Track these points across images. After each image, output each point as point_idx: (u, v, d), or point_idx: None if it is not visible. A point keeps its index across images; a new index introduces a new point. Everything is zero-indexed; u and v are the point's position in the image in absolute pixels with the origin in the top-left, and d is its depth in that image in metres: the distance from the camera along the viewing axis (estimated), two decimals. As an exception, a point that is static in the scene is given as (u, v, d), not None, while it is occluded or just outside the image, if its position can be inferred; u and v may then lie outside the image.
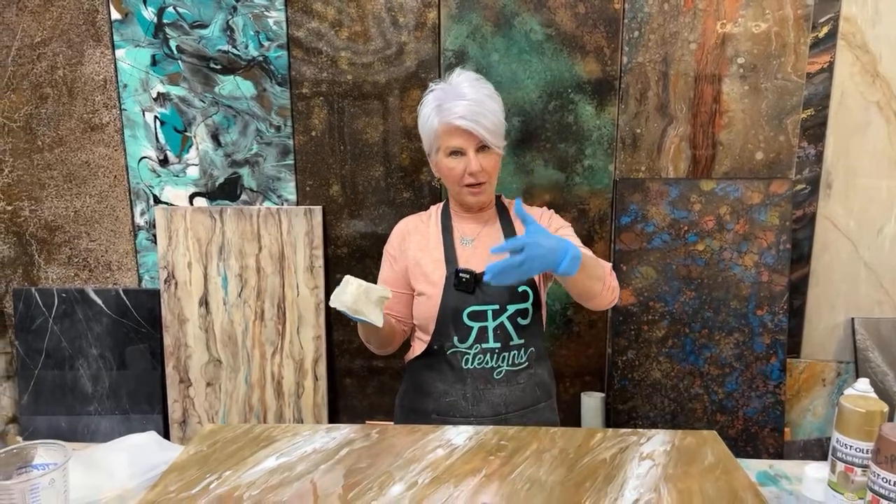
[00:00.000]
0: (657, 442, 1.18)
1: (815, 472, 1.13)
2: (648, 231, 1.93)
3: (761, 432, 1.95)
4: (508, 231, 1.50)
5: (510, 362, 1.44)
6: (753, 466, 1.21)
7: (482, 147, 1.40)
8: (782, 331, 1.92)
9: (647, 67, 1.89)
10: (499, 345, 1.42)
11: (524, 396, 1.45)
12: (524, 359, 1.45)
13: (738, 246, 1.91)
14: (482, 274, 1.40)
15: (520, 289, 1.43)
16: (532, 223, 1.25)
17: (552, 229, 1.48)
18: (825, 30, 1.89)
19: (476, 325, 1.42)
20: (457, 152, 1.41)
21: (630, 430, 1.24)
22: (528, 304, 1.44)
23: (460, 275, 1.42)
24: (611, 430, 1.24)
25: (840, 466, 1.05)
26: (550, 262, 1.20)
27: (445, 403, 1.45)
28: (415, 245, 1.52)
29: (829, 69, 1.91)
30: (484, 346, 1.42)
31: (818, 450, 2.08)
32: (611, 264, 1.45)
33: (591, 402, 2.01)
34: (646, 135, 1.93)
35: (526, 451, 1.15)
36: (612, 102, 1.91)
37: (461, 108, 1.36)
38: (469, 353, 1.43)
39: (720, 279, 1.92)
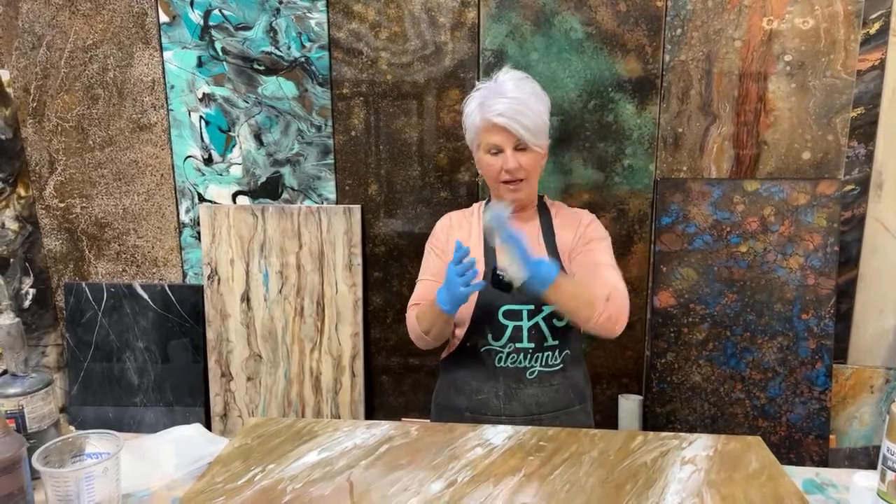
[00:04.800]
0: (699, 446, 1.17)
1: (863, 481, 1.10)
2: (689, 232, 1.90)
3: (805, 439, 1.90)
4: (547, 232, 1.49)
5: (543, 363, 1.43)
6: (799, 474, 1.18)
7: (521, 145, 1.40)
8: (828, 335, 1.87)
9: (690, 65, 1.86)
10: (533, 345, 1.42)
11: (557, 398, 1.44)
12: (558, 361, 1.45)
13: (782, 248, 1.87)
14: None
15: None
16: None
17: (584, 240, 1.46)
18: (877, 26, 1.83)
19: (511, 324, 1.42)
20: (496, 150, 1.41)
21: (671, 433, 1.22)
22: None
23: (497, 273, 1.42)
24: (651, 433, 1.22)
25: (890, 476, 1.02)
26: (531, 272, 1.25)
27: (478, 401, 1.45)
28: (458, 240, 1.52)
29: (881, 66, 1.85)
30: (518, 345, 1.42)
31: (864, 458, 2.02)
32: (616, 292, 1.35)
33: (629, 405, 1.99)
34: (688, 134, 1.90)
35: (565, 452, 1.14)
36: (654, 101, 1.89)
37: (501, 105, 1.36)
38: (503, 352, 1.43)
39: (763, 282, 1.88)
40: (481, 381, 1.45)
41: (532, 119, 1.37)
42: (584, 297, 1.32)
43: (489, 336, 1.43)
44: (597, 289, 1.34)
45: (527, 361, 1.43)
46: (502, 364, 1.43)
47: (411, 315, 1.49)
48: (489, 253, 1.46)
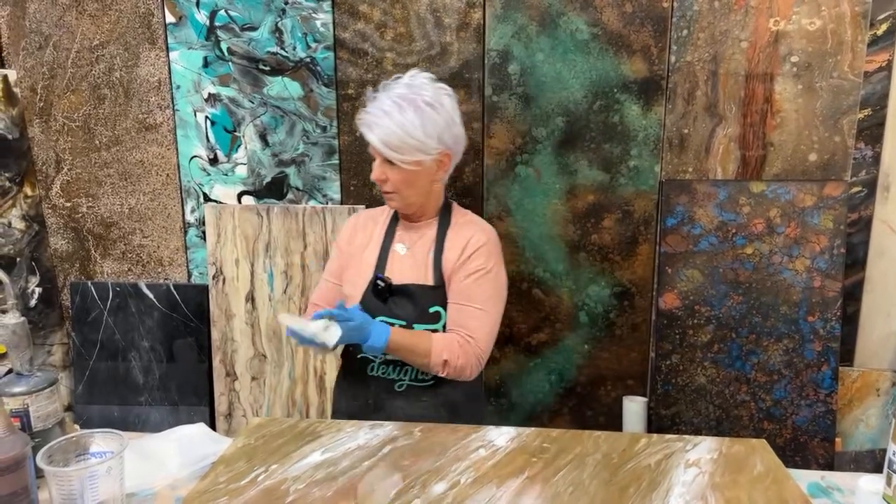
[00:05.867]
0: (704, 449, 1.16)
1: (869, 485, 1.09)
2: (695, 233, 1.89)
3: (811, 442, 1.89)
4: (440, 240, 1.45)
5: (413, 377, 1.43)
6: (804, 477, 1.18)
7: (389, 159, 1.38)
8: (834, 338, 1.86)
9: (696, 66, 1.86)
10: None
11: (426, 414, 1.42)
12: (429, 377, 1.43)
13: (788, 250, 1.86)
14: (398, 286, 1.42)
15: (431, 309, 1.41)
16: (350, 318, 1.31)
17: (465, 271, 1.41)
18: (884, 27, 1.82)
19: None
20: (373, 157, 1.42)
21: (675, 436, 1.22)
22: (439, 326, 1.42)
23: (377, 281, 1.42)
24: (656, 435, 1.22)
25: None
26: (354, 337, 1.31)
27: (354, 405, 1.48)
28: (359, 243, 1.52)
29: (888, 68, 1.84)
30: (388, 357, 1.41)
31: (870, 461, 2.01)
32: (461, 351, 1.37)
33: (634, 407, 1.98)
34: (693, 135, 1.90)
35: (569, 455, 1.14)
36: (659, 102, 1.88)
37: (369, 116, 1.36)
38: (374, 361, 1.44)
39: (769, 284, 1.87)
40: (357, 387, 1.47)
41: (395, 133, 1.33)
42: (418, 361, 1.37)
43: None
44: (434, 353, 1.36)
45: (395, 374, 1.43)
46: (374, 373, 1.45)
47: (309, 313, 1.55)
48: (381, 261, 1.46)
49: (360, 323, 1.31)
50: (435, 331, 1.42)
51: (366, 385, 1.46)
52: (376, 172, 1.40)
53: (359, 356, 1.46)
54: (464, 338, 1.39)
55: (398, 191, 1.41)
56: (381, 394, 1.44)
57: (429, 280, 1.43)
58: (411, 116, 1.34)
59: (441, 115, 1.37)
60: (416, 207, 1.46)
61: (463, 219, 1.51)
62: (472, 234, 1.45)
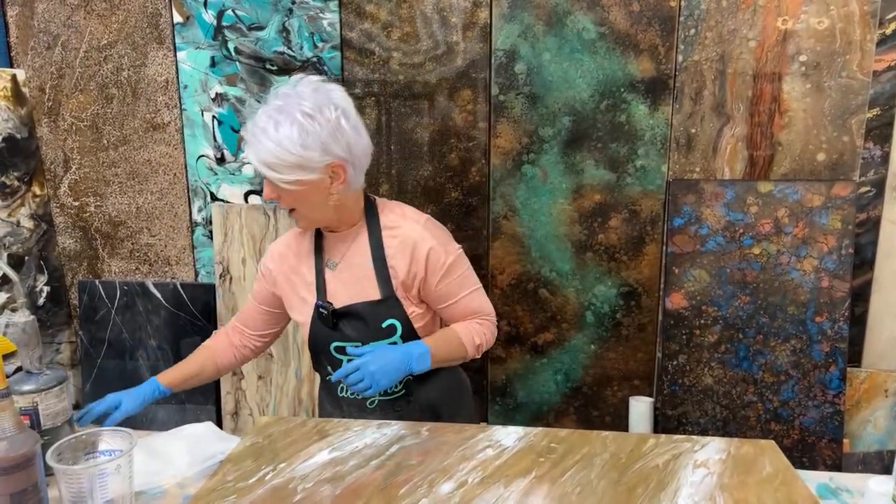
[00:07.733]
0: (712, 450, 1.16)
1: (878, 486, 1.08)
2: (702, 233, 1.88)
3: (818, 443, 1.89)
4: (376, 247, 1.34)
5: (382, 392, 1.38)
6: (812, 478, 1.17)
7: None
8: (842, 339, 1.85)
9: (704, 66, 1.85)
10: None
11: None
12: (399, 387, 1.39)
13: (796, 250, 1.86)
14: (342, 309, 1.34)
15: (384, 323, 1.34)
16: (360, 355, 1.28)
17: (435, 276, 1.35)
18: (893, 26, 1.81)
19: (344, 359, 1.36)
20: None
21: (684, 436, 1.21)
22: (397, 338, 1.35)
23: (319, 309, 1.34)
24: (664, 435, 1.21)
25: (906, 481, 1.01)
26: (398, 371, 1.28)
27: None
28: (289, 268, 1.42)
29: (898, 67, 1.83)
30: None
31: (878, 463, 2.00)
32: (484, 329, 1.40)
33: (640, 407, 1.98)
34: (701, 135, 1.89)
35: (577, 455, 1.14)
36: (666, 102, 1.88)
37: (247, 133, 1.26)
38: (342, 383, 1.37)
39: (777, 284, 1.87)
40: (332, 406, 1.45)
41: (272, 152, 1.21)
42: (456, 356, 1.38)
43: (328, 367, 1.40)
44: (467, 345, 1.38)
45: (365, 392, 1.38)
46: (344, 394, 1.41)
47: None
48: (319, 282, 1.37)
49: (392, 357, 1.28)
50: (394, 343, 1.35)
51: (338, 406, 1.43)
52: (266, 192, 1.29)
53: (326, 378, 1.41)
54: (478, 319, 1.41)
55: (299, 209, 1.31)
56: (354, 413, 1.41)
57: (375, 294, 1.33)
58: (287, 131, 1.21)
59: (322, 125, 1.22)
60: (327, 222, 1.35)
61: (392, 215, 1.38)
62: (414, 241, 1.34)
